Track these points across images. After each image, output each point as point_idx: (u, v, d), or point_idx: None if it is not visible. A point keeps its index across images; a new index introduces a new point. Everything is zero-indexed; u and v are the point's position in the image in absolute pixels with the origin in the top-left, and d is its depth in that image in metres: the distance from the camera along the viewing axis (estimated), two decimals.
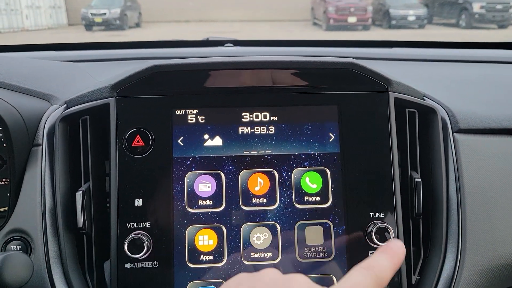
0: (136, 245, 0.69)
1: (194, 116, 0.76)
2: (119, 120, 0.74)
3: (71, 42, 1.43)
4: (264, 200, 0.74)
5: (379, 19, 12.88)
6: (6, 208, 0.75)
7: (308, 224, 0.74)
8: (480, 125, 0.83)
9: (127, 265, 0.70)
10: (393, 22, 12.16)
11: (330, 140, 0.76)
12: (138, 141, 0.73)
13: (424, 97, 0.85)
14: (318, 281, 0.71)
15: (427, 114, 0.81)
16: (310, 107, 0.77)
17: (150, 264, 0.71)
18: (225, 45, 1.39)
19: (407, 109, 0.80)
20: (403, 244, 0.51)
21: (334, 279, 0.72)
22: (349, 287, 0.44)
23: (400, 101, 0.79)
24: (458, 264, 0.75)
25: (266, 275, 0.46)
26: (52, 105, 0.82)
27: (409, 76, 0.97)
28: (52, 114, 0.79)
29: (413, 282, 0.76)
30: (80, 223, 0.71)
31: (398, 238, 0.74)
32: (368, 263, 0.48)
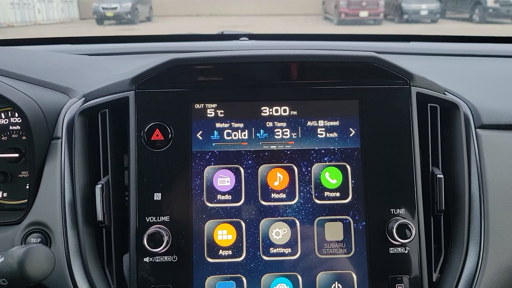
0: (155, 239, 0.69)
1: (213, 110, 0.75)
2: (138, 113, 0.73)
3: (87, 36, 1.43)
4: (283, 195, 0.73)
5: (391, 13, 12.75)
6: (26, 200, 0.75)
7: (328, 220, 0.73)
8: (503, 121, 0.81)
9: (146, 259, 0.70)
10: (405, 16, 12.03)
11: (351, 135, 0.75)
12: (157, 135, 0.73)
13: (445, 92, 0.83)
14: (337, 277, 0.71)
15: (449, 109, 0.80)
16: (331, 101, 0.76)
17: (169, 258, 0.70)
18: (240, 39, 1.38)
19: (429, 104, 0.79)
20: None
21: (354, 275, 0.72)
22: None
23: (421, 96, 0.77)
24: (480, 262, 0.74)
25: None
26: (70, 98, 0.82)
27: (428, 70, 0.95)
28: (71, 108, 0.79)
29: (434, 280, 0.75)
30: (100, 216, 0.71)
31: (419, 235, 0.72)
32: None
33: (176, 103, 0.74)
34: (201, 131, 0.74)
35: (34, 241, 0.71)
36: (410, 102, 0.76)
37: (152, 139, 0.73)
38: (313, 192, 0.73)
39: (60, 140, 0.76)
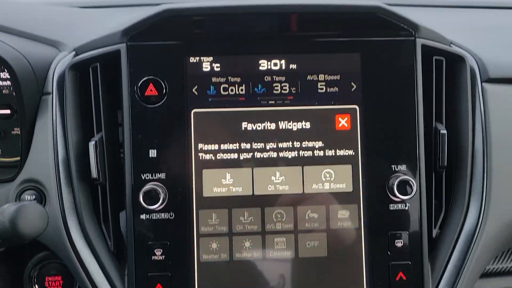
0: (151, 196, 0.68)
1: (209, 64, 0.72)
2: (131, 67, 0.70)
3: None
4: (283, 145, 0.72)
5: None
6: (19, 158, 0.73)
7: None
8: (511, 74, 0.78)
9: (143, 216, 0.69)
10: None
11: (352, 90, 0.72)
12: (151, 90, 0.70)
13: (451, 45, 0.80)
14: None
15: (454, 62, 0.77)
16: (331, 54, 0.73)
17: (166, 216, 0.70)
18: None
19: (434, 57, 0.75)
20: None
21: (353, 231, 0.71)
22: None
23: (426, 49, 0.74)
24: (481, 218, 0.73)
25: None
26: (60, 52, 0.79)
27: (433, 23, 0.91)
28: (61, 62, 0.76)
29: (434, 236, 0.75)
30: (94, 173, 0.70)
31: (420, 191, 0.71)
32: None
33: (170, 57, 0.71)
34: (196, 86, 0.71)
35: (29, 198, 0.70)
36: (415, 55, 0.72)
37: (146, 94, 0.70)
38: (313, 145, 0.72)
39: (51, 95, 0.74)
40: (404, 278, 0.71)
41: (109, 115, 0.75)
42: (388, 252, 0.71)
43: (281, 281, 0.71)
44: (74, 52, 0.78)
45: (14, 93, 0.81)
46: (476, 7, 1.20)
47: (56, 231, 0.69)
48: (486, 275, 0.84)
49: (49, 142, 0.72)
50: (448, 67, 0.77)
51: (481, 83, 0.78)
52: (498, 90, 0.77)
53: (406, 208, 0.71)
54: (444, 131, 0.73)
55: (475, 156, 0.75)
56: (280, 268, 0.71)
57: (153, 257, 0.69)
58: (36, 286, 0.74)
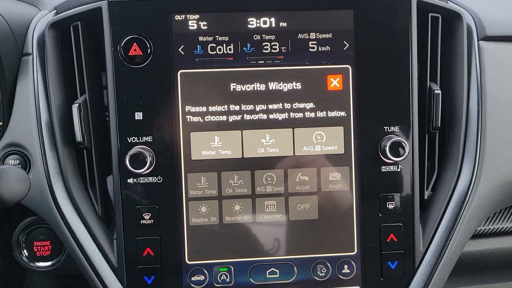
0: (138, 160, 0.66)
1: (195, 22, 0.69)
2: (113, 26, 0.67)
3: None
4: (274, 106, 0.70)
5: None
6: (1, 122, 0.71)
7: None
8: (508, 32, 0.76)
9: (130, 180, 0.68)
10: None
11: (345, 49, 0.70)
12: (135, 50, 0.68)
13: (447, 1, 0.77)
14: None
15: (451, 20, 0.74)
16: (323, 11, 0.70)
17: (153, 179, 0.68)
18: None
19: (430, 14, 0.73)
20: None
21: (344, 194, 0.70)
22: None
23: (422, 5, 0.71)
24: (474, 179, 0.72)
25: None
26: (40, 11, 0.76)
27: None
28: (41, 21, 0.73)
29: (426, 198, 0.74)
30: (79, 137, 0.68)
31: (412, 153, 0.70)
32: None
33: (154, 14, 0.68)
34: (182, 46, 0.69)
35: (13, 163, 0.68)
36: (410, 12, 0.70)
37: (130, 54, 0.68)
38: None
39: (31, 56, 0.71)
40: (395, 239, 0.71)
41: (93, 76, 0.73)
42: (380, 214, 0.71)
43: (272, 244, 0.70)
44: (54, 11, 0.74)
45: None
46: None
47: (41, 196, 0.68)
48: (477, 236, 0.85)
49: (31, 105, 0.70)
50: (444, 25, 0.74)
51: (478, 41, 0.75)
52: (495, 48, 0.75)
53: (398, 170, 0.70)
54: (438, 91, 0.71)
55: (469, 116, 0.73)
56: (271, 231, 0.70)
57: (141, 221, 0.68)
58: (25, 251, 0.73)
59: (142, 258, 0.69)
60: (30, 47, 0.71)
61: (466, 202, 0.72)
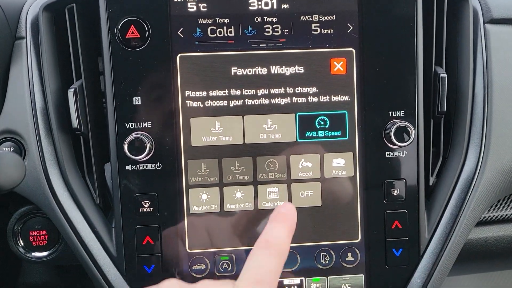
0: (137, 146, 0.64)
1: (194, 3, 0.67)
2: (109, 8, 0.65)
3: None
4: (275, 90, 0.68)
5: None
6: None
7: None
8: None
9: (129, 167, 0.66)
10: None
11: (348, 31, 0.68)
12: (132, 33, 0.65)
13: None
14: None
15: (456, 2, 0.72)
16: None
17: (153, 166, 0.66)
18: None
19: None
20: (293, 206, 0.52)
21: (348, 180, 0.69)
22: (254, 274, 0.45)
23: None
24: (479, 165, 0.71)
25: None
26: None
27: None
28: (35, 3, 0.71)
29: (431, 184, 0.73)
30: (75, 123, 0.66)
31: (418, 138, 0.68)
32: (264, 240, 0.48)
33: None
34: (182, 28, 0.66)
35: (7, 150, 0.66)
36: None
37: (127, 37, 0.65)
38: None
39: (25, 39, 0.69)
40: (400, 226, 0.69)
41: (89, 61, 0.70)
42: (384, 201, 0.69)
43: None
44: None
45: None
46: None
47: (37, 184, 0.66)
48: (481, 223, 0.84)
49: (26, 91, 0.68)
50: (450, 7, 0.72)
51: (484, 24, 0.74)
52: (501, 31, 0.73)
53: (403, 155, 0.69)
54: (444, 75, 0.70)
55: (475, 100, 0.72)
56: None
57: (140, 209, 0.67)
58: (21, 241, 0.71)
59: (141, 247, 0.67)
60: (23, 31, 0.69)
61: (472, 188, 0.70)
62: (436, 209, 0.71)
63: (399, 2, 0.68)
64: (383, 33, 0.68)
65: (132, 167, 0.66)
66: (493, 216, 0.84)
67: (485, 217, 0.83)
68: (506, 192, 0.78)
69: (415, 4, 0.68)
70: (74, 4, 0.67)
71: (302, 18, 0.68)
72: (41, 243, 0.71)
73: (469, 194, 0.71)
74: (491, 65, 0.72)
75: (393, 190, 0.69)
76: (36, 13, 0.69)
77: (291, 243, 0.68)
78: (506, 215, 0.85)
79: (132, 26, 0.65)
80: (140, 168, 0.66)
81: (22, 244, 0.72)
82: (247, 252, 0.68)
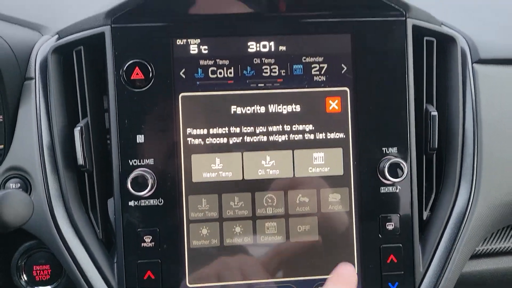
0: (140, 183, 0.66)
1: (196, 46, 0.70)
2: (115, 50, 0.68)
3: None
4: (274, 128, 0.71)
5: None
6: (2, 146, 0.71)
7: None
8: (501, 55, 0.78)
9: (131, 203, 0.68)
10: None
11: (343, 72, 0.71)
12: (137, 74, 0.69)
13: (442, 25, 0.79)
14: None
15: (445, 43, 0.76)
16: (322, 36, 0.71)
17: (155, 202, 0.68)
18: None
19: (425, 38, 0.75)
20: (354, 269, 0.54)
21: (344, 215, 0.71)
22: None
23: (417, 29, 0.73)
24: (471, 200, 0.73)
25: None
26: (43, 35, 0.77)
27: (424, 3, 0.90)
28: (44, 45, 0.74)
29: (424, 218, 0.75)
30: (80, 160, 0.68)
31: (411, 174, 0.71)
32: None
33: (156, 39, 0.69)
34: (184, 69, 0.70)
35: (13, 187, 0.68)
36: (406, 36, 0.71)
37: (132, 78, 0.68)
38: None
39: (34, 80, 0.71)
40: (395, 260, 0.71)
41: (95, 100, 0.73)
42: (379, 235, 0.71)
43: (273, 265, 0.70)
44: (57, 36, 0.75)
45: None
46: None
47: (42, 220, 0.68)
48: (475, 256, 0.85)
49: (33, 129, 0.70)
50: (439, 48, 0.76)
51: (472, 64, 0.77)
52: (488, 71, 0.77)
53: (397, 190, 0.71)
54: (435, 113, 0.73)
55: (465, 137, 0.75)
56: (271, 252, 0.70)
57: (142, 244, 0.68)
58: (24, 275, 0.73)
59: (142, 282, 0.68)
60: (32, 72, 0.72)
61: (464, 222, 0.72)
62: (430, 243, 0.73)
63: (391, 44, 0.71)
64: (375, 73, 0.71)
65: (134, 203, 0.68)
66: (488, 249, 0.85)
67: (479, 250, 0.85)
68: (499, 225, 0.80)
69: (406, 45, 0.72)
70: (82, 46, 0.71)
71: (298, 59, 0.71)
72: (44, 277, 0.73)
73: (462, 228, 0.73)
74: (480, 104, 0.75)
75: (388, 225, 0.71)
76: (45, 55, 0.72)
77: (289, 276, 0.70)
78: (501, 248, 0.86)
79: (137, 67, 0.68)
80: (143, 204, 0.68)
81: (26, 279, 0.73)
82: (247, 286, 0.69)
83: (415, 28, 0.72)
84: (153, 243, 0.68)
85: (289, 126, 0.71)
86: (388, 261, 0.71)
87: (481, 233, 0.75)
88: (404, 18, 0.71)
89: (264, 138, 0.70)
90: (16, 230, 0.66)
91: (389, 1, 0.70)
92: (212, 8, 0.70)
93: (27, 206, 0.52)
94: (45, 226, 0.68)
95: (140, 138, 0.69)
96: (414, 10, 0.72)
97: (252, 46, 0.71)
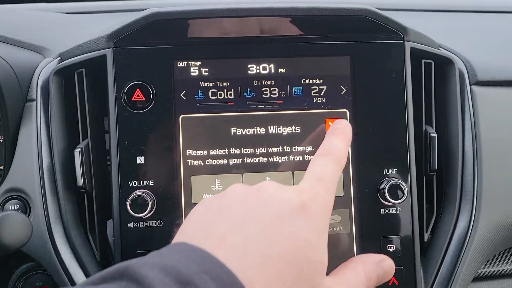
0: (139, 204, 0.66)
1: (196, 68, 0.71)
2: (117, 72, 0.69)
3: None
4: (273, 150, 0.71)
5: None
6: (2, 167, 0.71)
7: None
8: (498, 77, 0.79)
9: (131, 225, 0.68)
10: None
11: (342, 93, 0.72)
12: (138, 95, 0.69)
13: (439, 48, 0.80)
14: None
15: (443, 65, 0.77)
16: (321, 58, 0.72)
17: (154, 223, 0.68)
18: None
19: (423, 60, 0.75)
20: (348, 122, 0.59)
21: (344, 236, 0.70)
22: (316, 172, 0.49)
23: (415, 52, 0.74)
24: (472, 221, 0.73)
25: (234, 191, 0.47)
26: (45, 58, 0.78)
27: (422, 26, 0.91)
28: (46, 68, 0.75)
29: (426, 240, 0.74)
30: (80, 181, 0.68)
31: (411, 195, 0.71)
32: (324, 149, 0.53)
33: (157, 61, 0.70)
34: (184, 91, 0.70)
35: (12, 208, 0.68)
36: (404, 58, 0.72)
37: (132, 99, 0.69)
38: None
39: (35, 102, 0.72)
40: (397, 283, 0.70)
41: (95, 121, 0.74)
42: None
43: None
44: (59, 58, 0.76)
45: None
46: (464, 11, 1.21)
47: (41, 241, 0.68)
48: (478, 278, 0.84)
49: (34, 150, 0.70)
50: (437, 70, 0.77)
51: (470, 85, 0.78)
52: (487, 92, 0.77)
53: (398, 212, 0.71)
54: (434, 134, 0.73)
55: (465, 158, 0.75)
56: None
57: None
58: None
59: None
60: (34, 93, 0.72)
61: (466, 244, 0.72)
62: (432, 265, 0.72)
63: (389, 66, 0.72)
64: (375, 95, 0.72)
65: (134, 224, 0.68)
66: (490, 272, 0.84)
67: (481, 272, 0.84)
68: (501, 247, 0.79)
69: (404, 68, 0.72)
70: (83, 69, 0.71)
71: (298, 81, 0.72)
72: None
73: (464, 250, 0.72)
74: (479, 125, 0.75)
75: (389, 247, 0.70)
76: (47, 77, 0.73)
77: None
78: (503, 270, 0.85)
79: (138, 89, 0.69)
80: (142, 225, 0.68)
81: None
82: None
83: (413, 50, 0.73)
84: None
85: (289, 148, 0.71)
86: (390, 284, 0.70)
87: (484, 255, 0.74)
88: (402, 41, 0.72)
89: (264, 160, 0.70)
90: (13, 252, 0.66)
91: (387, 24, 0.71)
92: (212, 31, 0.71)
93: (26, 228, 0.52)
94: (43, 248, 0.67)
95: (140, 160, 0.69)
96: (412, 33, 0.73)
97: (252, 68, 0.72)
